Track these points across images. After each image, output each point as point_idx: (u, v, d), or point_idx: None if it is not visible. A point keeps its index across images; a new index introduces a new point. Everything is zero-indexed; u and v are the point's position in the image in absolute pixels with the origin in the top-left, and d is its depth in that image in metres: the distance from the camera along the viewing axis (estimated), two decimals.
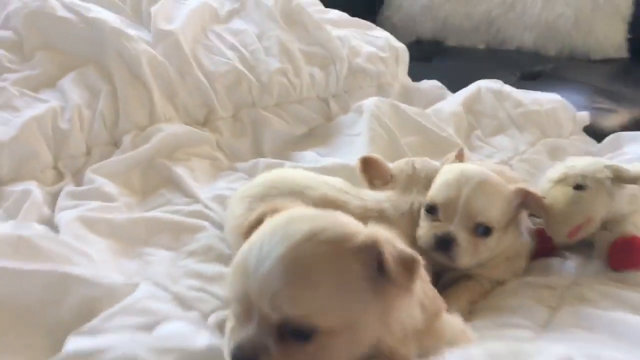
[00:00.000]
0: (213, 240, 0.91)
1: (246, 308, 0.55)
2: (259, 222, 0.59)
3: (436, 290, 0.67)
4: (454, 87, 1.66)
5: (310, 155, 1.23)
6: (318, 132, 1.35)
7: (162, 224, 0.94)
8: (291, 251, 0.54)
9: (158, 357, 0.59)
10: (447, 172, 0.89)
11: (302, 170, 1.01)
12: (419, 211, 0.91)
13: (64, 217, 0.90)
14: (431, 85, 1.59)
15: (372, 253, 0.55)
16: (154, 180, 1.08)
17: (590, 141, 1.51)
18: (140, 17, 1.34)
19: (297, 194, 0.88)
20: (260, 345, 0.54)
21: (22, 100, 1.08)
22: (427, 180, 0.94)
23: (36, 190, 0.96)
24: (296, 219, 0.57)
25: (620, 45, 2.35)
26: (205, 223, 0.96)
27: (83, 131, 1.10)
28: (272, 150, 1.28)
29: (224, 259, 0.88)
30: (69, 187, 1.01)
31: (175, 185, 1.06)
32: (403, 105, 1.37)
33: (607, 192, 0.91)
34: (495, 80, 1.59)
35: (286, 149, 1.28)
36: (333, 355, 0.55)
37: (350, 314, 0.55)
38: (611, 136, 1.47)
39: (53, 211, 0.95)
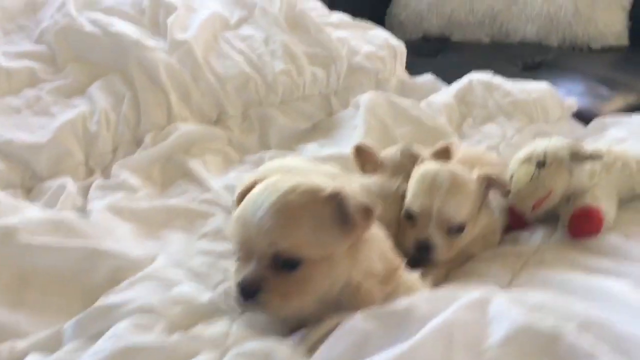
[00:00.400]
0: (222, 224, 1.05)
1: (247, 250, 0.71)
2: (250, 187, 0.76)
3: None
4: (458, 80, 1.76)
5: (312, 147, 1.36)
6: (320, 126, 1.49)
7: (179, 210, 1.08)
8: (279, 200, 0.71)
9: (169, 307, 0.74)
10: (419, 179, 0.98)
11: (299, 160, 1.13)
12: (403, 195, 1.02)
13: (94, 206, 1.05)
14: (426, 79, 1.71)
15: (337, 200, 0.72)
16: (172, 173, 1.22)
17: (577, 126, 1.61)
18: (158, 28, 1.49)
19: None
20: (260, 275, 0.71)
21: (57, 107, 1.24)
22: (412, 167, 1.05)
23: (70, 184, 1.11)
24: (281, 180, 0.75)
25: (620, 34, 2.42)
26: (217, 209, 1.10)
27: (109, 132, 1.25)
28: (278, 144, 1.41)
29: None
30: (99, 180, 1.16)
31: (191, 177, 1.21)
32: (398, 98, 1.49)
33: (567, 168, 1.02)
34: (487, 72, 1.69)
35: (291, 143, 1.42)
36: (316, 282, 0.71)
37: (326, 247, 0.72)
38: (596, 120, 1.57)
39: (85, 201, 1.10)
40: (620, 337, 0.60)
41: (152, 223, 1.04)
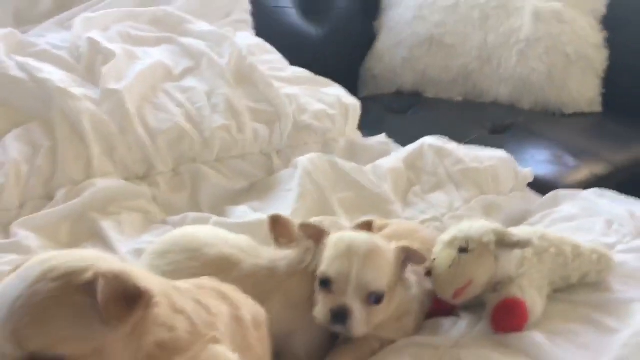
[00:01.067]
0: None
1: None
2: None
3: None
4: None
5: (241, 210, 1.29)
6: (257, 187, 1.41)
7: None
8: (25, 291, 0.61)
9: None
10: (336, 244, 0.92)
11: (210, 229, 1.06)
12: (314, 272, 0.94)
13: None
14: (377, 141, 1.65)
15: (93, 288, 0.62)
16: (81, 233, 1.14)
17: (532, 198, 1.54)
18: (93, 76, 1.42)
19: (195, 250, 0.94)
20: None
21: None
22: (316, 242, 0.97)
23: None
24: (31, 264, 0.64)
25: (593, 100, 2.38)
26: None
27: (19, 185, 1.17)
28: (209, 204, 1.33)
29: None
30: None
31: (100, 239, 1.12)
32: (341, 162, 1.42)
33: (492, 255, 0.94)
34: (440, 137, 1.63)
35: (223, 203, 1.34)
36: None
37: (92, 341, 0.62)
38: (550, 193, 1.50)
39: None
40: None
41: None
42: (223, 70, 1.54)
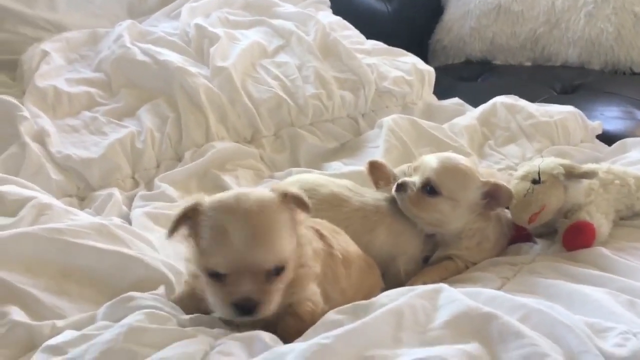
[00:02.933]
0: None
1: (238, 269, 0.77)
2: (184, 216, 0.82)
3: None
4: None
5: (336, 165, 1.48)
6: (347, 146, 1.60)
7: None
8: (260, 218, 0.78)
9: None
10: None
11: (318, 175, 1.24)
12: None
13: (135, 213, 1.20)
14: (452, 102, 1.80)
15: (289, 200, 0.81)
16: (208, 186, 1.36)
17: (601, 148, 1.65)
18: (202, 57, 1.65)
19: (310, 190, 1.09)
20: (259, 290, 0.77)
21: (109, 127, 1.42)
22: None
23: (117, 194, 1.27)
24: (242, 195, 0.82)
25: None
26: None
27: (154, 149, 1.41)
28: (307, 161, 1.54)
29: None
30: (142, 191, 1.32)
31: (223, 189, 1.33)
32: (420, 121, 1.59)
33: (562, 185, 1.09)
34: (512, 95, 1.76)
35: (319, 161, 1.54)
36: (289, 275, 0.81)
37: (294, 245, 0.81)
38: (618, 142, 1.61)
39: (130, 209, 1.26)
40: (557, 326, 0.68)
41: None
42: (310, 45, 1.73)
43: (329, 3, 2.25)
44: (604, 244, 1.07)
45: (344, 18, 2.12)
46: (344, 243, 0.97)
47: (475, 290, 0.77)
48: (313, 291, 0.85)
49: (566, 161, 1.12)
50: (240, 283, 0.76)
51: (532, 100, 2.13)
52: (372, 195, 1.15)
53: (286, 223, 0.80)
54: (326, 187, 1.12)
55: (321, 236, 0.93)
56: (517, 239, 1.15)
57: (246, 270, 0.77)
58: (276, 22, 1.83)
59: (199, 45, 1.67)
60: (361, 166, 1.42)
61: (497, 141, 1.61)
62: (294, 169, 1.45)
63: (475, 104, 1.83)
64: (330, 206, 1.08)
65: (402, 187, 1.08)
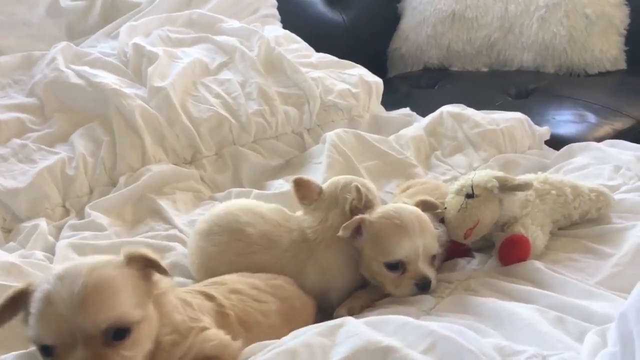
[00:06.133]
0: (179, 258, 1.13)
1: (68, 337, 0.69)
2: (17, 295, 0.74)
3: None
4: None
5: (279, 183, 1.45)
6: (292, 163, 1.57)
7: (139, 246, 1.16)
8: (90, 278, 0.71)
9: None
10: (390, 228, 1.03)
11: (247, 201, 1.17)
12: (336, 227, 1.04)
13: (60, 245, 1.15)
14: (401, 113, 1.78)
15: (138, 260, 0.75)
16: (142, 212, 1.32)
17: (549, 153, 1.64)
18: (140, 77, 1.61)
19: (238, 231, 1.04)
20: (97, 356, 0.69)
21: (40, 154, 1.37)
22: (346, 199, 1.10)
23: (43, 225, 1.22)
24: (76, 264, 0.75)
25: (616, 58, 2.44)
26: (176, 244, 1.19)
27: (87, 175, 1.36)
28: (250, 181, 1.50)
29: (186, 273, 1.10)
30: (72, 221, 1.27)
31: (159, 215, 1.30)
32: (365, 134, 1.56)
33: (497, 198, 1.07)
34: (458, 104, 1.75)
35: (262, 179, 1.50)
36: (145, 343, 0.73)
37: (144, 306, 0.74)
38: (565, 147, 1.60)
39: (57, 240, 1.21)
40: (463, 353, 0.65)
41: None
42: (254, 61, 1.69)
43: (278, 17, 2.23)
44: (540, 257, 1.05)
45: (299, 31, 2.10)
46: (249, 299, 0.91)
47: (385, 318, 0.74)
48: None
49: (500, 173, 1.09)
50: (70, 353, 0.69)
51: (487, 105, 2.14)
52: (300, 223, 1.09)
53: (127, 284, 0.73)
54: (254, 227, 1.05)
55: (210, 297, 0.87)
56: (456, 253, 1.13)
57: (76, 338, 0.69)
58: (220, 38, 1.80)
59: (137, 65, 1.63)
60: None
61: (444, 151, 1.60)
62: (234, 190, 1.41)
63: (431, 112, 1.80)
64: (260, 249, 1.04)
65: (427, 284, 1.01)
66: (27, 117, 1.46)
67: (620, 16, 2.43)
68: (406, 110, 1.82)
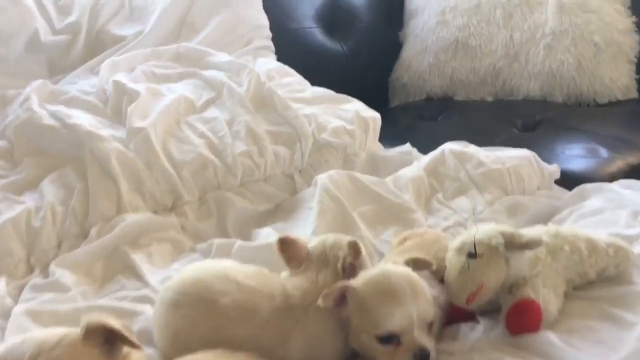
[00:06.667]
0: (148, 324, 1.01)
1: None
2: None
3: None
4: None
5: (265, 232, 1.33)
6: (281, 208, 1.45)
7: (105, 310, 1.05)
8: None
9: None
10: (382, 295, 0.90)
11: (218, 264, 1.04)
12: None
13: (15, 311, 1.03)
14: (399, 151, 1.67)
15: (101, 333, 0.66)
16: (115, 267, 1.20)
17: (560, 194, 1.52)
18: (120, 117, 1.51)
19: (210, 301, 0.92)
20: None
21: (5, 204, 1.25)
22: (337, 258, 0.99)
23: (2, 285, 1.10)
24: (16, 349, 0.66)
25: (628, 87, 2.35)
26: (148, 306, 1.07)
27: (55, 226, 1.25)
28: (236, 228, 1.38)
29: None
30: (35, 279, 1.15)
31: (132, 271, 1.19)
32: (360, 175, 1.45)
33: (503, 257, 0.95)
34: (461, 141, 1.64)
35: (249, 226, 1.39)
36: None
37: None
38: (577, 188, 1.48)
39: (15, 303, 1.09)
40: None
41: (72, 327, 1.01)
42: (242, 97, 1.59)
43: (272, 48, 2.13)
44: (554, 325, 0.93)
45: (296, 61, 2.01)
46: None
47: None
48: None
49: (506, 228, 0.97)
50: None
51: (492, 138, 2.03)
52: (283, 289, 0.96)
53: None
54: (229, 296, 0.93)
55: None
56: (459, 318, 1.01)
57: None
58: (208, 73, 1.70)
59: (117, 104, 1.52)
60: (296, 231, 1.29)
61: (445, 193, 1.48)
62: (216, 241, 1.29)
63: (434, 145, 1.69)
64: (234, 322, 0.91)
65: (425, 356, 0.89)
66: None
67: (630, 43, 2.33)
68: (406, 147, 1.70)
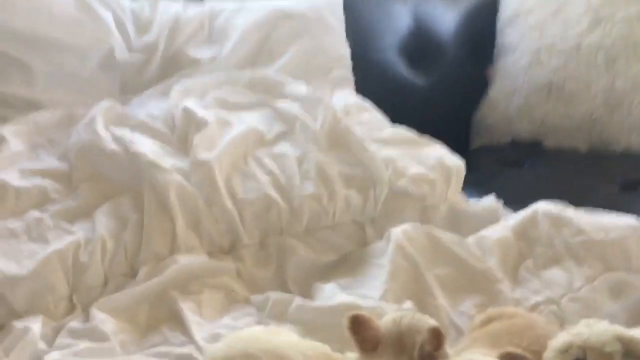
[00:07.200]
0: None
1: None
2: None
3: None
4: (542, 196, 1.54)
5: (329, 289, 1.19)
6: (348, 260, 1.31)
7: None
8: None
9: None
10: None
11: (278, 336, 0.92)
12: None
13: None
14: (484, 206, 1.49)
15: None
16: (160, 315, 1.10)
17: None
18: (186, 146, 1.41)
19: None
20: None
21: (55, 232, 1.17)
22: (415, 344, 0.84)
23: (35, 329, 1.01)
24: None
25: None
26: None
27: (104, 263, 1.15)
28: (296, 280, 1.25)
29: None
30: (73, 323, 1.06)
31: (178, 322, 1.07)
32: (439, 233, 1.29)
33: None
34: (556, 202, 1.45)
35: (311, 279, 1.25)
36: None
37: None
38: None
39: (50, 349, 0.99)
40: None
41: None
42: (316, 134, 1.47)
43: (352, 79, 2.01)
44: None
45: (374, 95, 1.89)
46: None
47: None
48: None
49: (623, 332, 0.79)
50: None
51: (587, 196, 1.82)
52: None
53: None
54: None
55: None
56: None
57: None
58: (281, 104, 1.59)
59: (184, 132, 1.43)
60: (358, 295, 1.14)
61: (536, 262, 1.29)
62: (272, 295, 1.16)
63: (520, 197, 1.53)
64: None
65: None
66: (51, 185, 1.29)
67: None
68: (491, 201, 1.52)
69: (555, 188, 1.62)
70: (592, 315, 1.09)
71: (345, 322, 0.87)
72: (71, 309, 1.10)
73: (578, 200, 1.53)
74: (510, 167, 2.20)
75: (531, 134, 2.33)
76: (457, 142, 1.78)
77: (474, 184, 1.71)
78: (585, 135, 2.25)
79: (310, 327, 1.06)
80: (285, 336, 0.89)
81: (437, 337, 0.81)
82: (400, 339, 0.84)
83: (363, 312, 0.89)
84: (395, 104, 1.91)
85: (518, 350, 0.83)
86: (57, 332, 1.04)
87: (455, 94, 2.38)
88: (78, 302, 1.11)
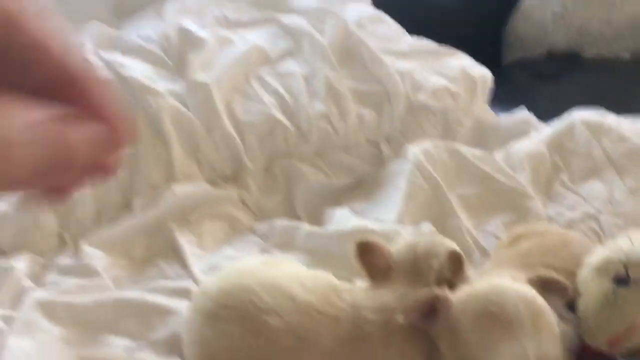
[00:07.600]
0: (180, 329, 0.81)
1: None
2: None
3: None
4: (580, 109, 1.40)
5: (341, 214, 1.09)
6: (363, 183, 1.20)
7: (134, 306, 0.86)
8: None
9: None
10: None
11: (277, 266, 0.82)
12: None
13: (27, 302, 0.86)
14: (514, 119, 1.35)
15: None
16: (157, 248, 1.02)
17: None
18: (184, 68, 1.30)
19: (254, 319, 0.71)
20: None
21: None
22: (432, 269, 0.74)
23: (20, 268, 0.93)
24: None
25: None
26: (183, 304, 0.86)
27: (95, 195, 1.07)
28: (306, 206, 1.16)
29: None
30: (64, 259, 0.98)
31: (175, 254, 0.99)
32: (464, 149, 1.17)
33: None
34: (596, 108, 1.30)
35: (323, 205, 1.15)
36: None
37: None
38: None
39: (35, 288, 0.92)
40: None
41: (92, 325, 0.84)
42: (325, 49, 1.34)
43: None
44: None
45: (399, 10, 1.73)
46: None
47: None
48: None
49: None
50: None
51: (629, 106, 1.67)
52: (357, 307, 0.73)
53: None
54: (279, 316, 0.71)
55: None
56: (589, 358, 0.72)
57: None
58: (287, 19, 1.46)
59: (181, 53, 1.31)
60: (373, 218, 1.04)
61: (572, 176, 1.17)
62: (278, 222, 1.07)
63: (557, 111, 1.40)
64: (286, 352, 0.70)
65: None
66: None
67: None
68: (522, 113, 1.39)
69: (595, 100, 1.47)
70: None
71: (352, 249, 0.77)
72: (62, 246, 1.03)
73: (620, 110, 1.40)
74: (545, 81, 2.08)
75: (568, 44, 2.18)
76: (488, 57, 1.61)
77: (506, 101, 1.57)
78: (628, 42, 2.10)
79: (319, 255, 0.97)
80: (285, 266, 0.80)
81: (456, 261, 0.71)
82: (415, 265, 0.74)
83: (372, 238, 0.78)
84: (418, 19, 1.77)
85: (550, 274, 0.71)
86: (46, 269, 0.97)
87: (484, 3, 2.22)
88: (69, 238, 1.04)
